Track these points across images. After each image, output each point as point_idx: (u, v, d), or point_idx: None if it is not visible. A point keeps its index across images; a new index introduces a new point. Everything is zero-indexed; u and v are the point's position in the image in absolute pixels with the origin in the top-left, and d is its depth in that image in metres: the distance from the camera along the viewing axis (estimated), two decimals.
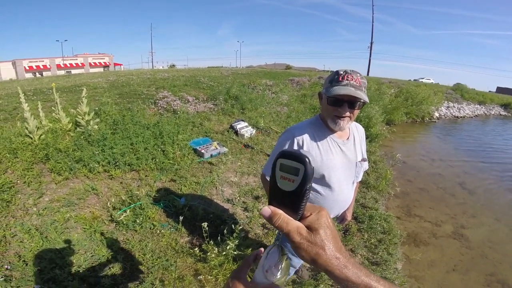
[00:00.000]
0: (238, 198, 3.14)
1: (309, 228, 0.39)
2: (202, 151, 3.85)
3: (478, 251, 3.04)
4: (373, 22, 38.20)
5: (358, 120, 6.84)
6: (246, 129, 5.03)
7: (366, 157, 1.45)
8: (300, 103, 8.34)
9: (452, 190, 4.59)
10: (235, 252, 2.08)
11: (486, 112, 16.32)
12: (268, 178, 1.34)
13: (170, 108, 5.44)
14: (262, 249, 0.52)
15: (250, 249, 2.35)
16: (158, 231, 2.42)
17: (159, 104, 5.56)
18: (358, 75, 1.16)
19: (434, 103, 12.42)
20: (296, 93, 9.52)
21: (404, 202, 3.92)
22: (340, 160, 1.30)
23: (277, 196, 0.41)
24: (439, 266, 2.75)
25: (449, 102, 14.88)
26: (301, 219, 0.41)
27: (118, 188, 2.89)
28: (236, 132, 4.95)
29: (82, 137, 3.47)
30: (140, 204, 2.61)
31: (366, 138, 6.17)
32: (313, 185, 1.33)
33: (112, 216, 2.46)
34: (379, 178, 4.14)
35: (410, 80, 26.52)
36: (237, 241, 2.07)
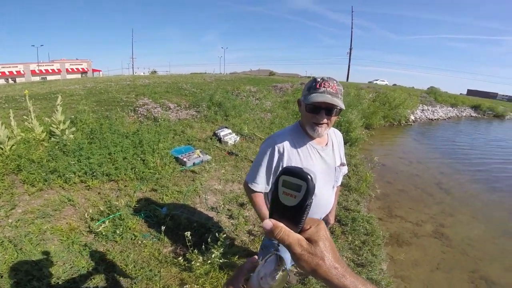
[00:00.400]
0: (223, 205, 3.11)
1: (309, 240, 0.41)
2: (184, 159, 3.79)
3: (459, 249, 3.16)
4: (352, 28, 39.62)
5: (338, 124, 7.03)
6: (229, 136, 5.02)
7: (344, 161, 1.50)
8: (283, 109, 8.46)
9: (430, 190, 4.79)
10: (220, 260, 2.06)
11: (458, 114, 17.31)
12: (251, 186, 1.35)
13: (150, 116, 5.33)
14: (256, 256, 0.54)
15: (237, 256, 2.33)
16: (140, 242, 2.36)
17: (139, 111, 5.43)
18: (335, 82, 1.21)
19: (410, 107, 13.00)
20: (279, 99, 9.65)
21: (385, 204, 4.03)
22: (319, 166, 1.34)
23: (278, 210, 0.43)
24: (423, 265, 2.84)
25: (424, 105, 15.61)
26: (301, 231, 0.43)
27: (96, 198, 2.82)
28: (219, 140, 4.93)
29: (56, 147, 3.33)
30: (120, 215, 2.56)
31: (347, 143, 6.43)
32: None
33: (91, 227, 2.40)
34: (360, 180, 4.24)
35: (366, 82, 27.53)
36: (222, 249, 2.05)
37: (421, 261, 2.90)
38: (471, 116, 18.23)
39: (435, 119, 14.57)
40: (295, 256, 0.41)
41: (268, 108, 8.17)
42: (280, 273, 0.45)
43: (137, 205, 2.82)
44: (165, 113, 5.63)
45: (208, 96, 7.21)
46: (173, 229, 2.56)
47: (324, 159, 1.35)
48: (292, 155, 1.30)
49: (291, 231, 0.42)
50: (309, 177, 0.40)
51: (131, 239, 2.38)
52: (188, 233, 2.04)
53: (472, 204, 4.43)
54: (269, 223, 0.42)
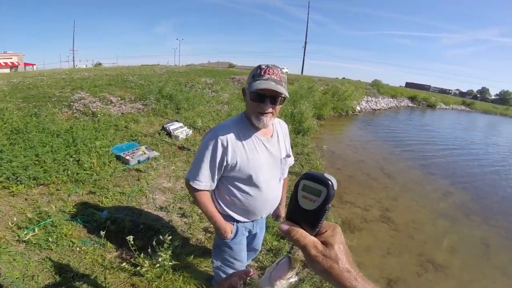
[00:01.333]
0: (173, 204, 2.92)
1: (324, 243, 0.43)
2: (127, 157, 3.47)
3: (405, 233, 3.38)
4: (308, 22, 40.90)
5: (291, 115, 7.21)
6: (181, 130, 4.75)
7: (290, 153, 1.45)
8: (241, 101, 8.34)
9: (374, 175, 5.19)
10: (171, 263, 1.93)
11: (397, 104, 19.21)
12: (193, 184, 1.26)
13: (88, 111, 4.78)
14: (251, 269, 0.55)
15: (192, 256, 2.21)
16: (79, 248, 2.16)
17: (74, 107, 4.82)
18: (279, 69, 1.16)
19: (356, 98, 14.00)
20: (237, 91, 9.52)
21: (336, 190, 4.19)
22: (265, 158, 1.28)
23: (296, 213, 0.44)
24: (375, 251, 2.98)
25: (368, 97, 16.93)
26: (316, 235, 0.44)
27: (22, 205, 2.53)
28: (169, 134, 4.63)
29: None
30: (52, 221, 2.31)
31: (299, 132, 6.61)
32: (242, 186, 1.29)
33: (19, 236, 2.15)
34: (312, 169, 4.38)
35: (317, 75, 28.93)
36: (170, 252, 1.92)
37: (373, 247, 3.04)
38: (408, 106, 20.47)
39: (378, 109, 15.95)
40: (309, 258, 0.43)
41: (226, 100, 7.99)
42: (294, 275, 0.47)
43: (73, 210, 2.56)
44: (105, 107, 5.10)
45: (157, 88, 6.74)
46: (117, 233, 2.35)
47: (269, 151, 1.30)
48: (237, 148, 1.22)
49: (307, 234, 0.43)
50: (330, 183, 0.41)
51: (69, 246, 2.18)
52: (130, 238, 1.88)
53: (411, 188, 4.89)
54: (285, 225, 0.44)
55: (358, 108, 14.01)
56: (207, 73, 12.68)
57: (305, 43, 40.85)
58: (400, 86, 41.14)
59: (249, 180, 1.27)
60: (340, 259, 0.42)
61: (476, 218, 4.05)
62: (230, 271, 1.52)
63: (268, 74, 1.13)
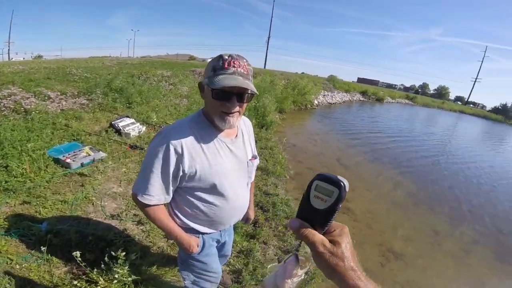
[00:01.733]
0: (127, 211, 2.63)
1: (332, 242, 0.45)
2: (67, 160, 3.04)
3: (364, 223, 3.52)
4: (272, 17, 41.20)
5: (254, 109, 7.16)
6: (132, 127, 4.35)
7: (256, 153, 1.29)
8: None
9: (332, 166, 5.43)
10: (130, 278, 1.73)
11: (350, 98, 20.47)
12: (142, 200, 1.03)
13: (19, 109, 4.10)
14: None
15: (155, 266, 2.01)
16: (19, 266, 1.87)
17: (2, 104, 4.11)
18: (245, 60, 0.98)
19: (314, 93, 14.54)
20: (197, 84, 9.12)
21: (299, 183, 4.25)
22: (230, 162, 1.11)
23: (307, 211, 0.47)
24: None
25: (325, 91, 17.73)
26: (325, 233, 0.47)
27: None
28: (118, 131, 4.20)
29: None
30: None
31: (262, 127, 6.60)
32: (204, 196, 1.11)
33: None
34: (276, 163, 4.40)
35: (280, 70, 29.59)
36: (127, 266, 1.72)
37: None
38: (360, 100, 21.96)
39: (333, 103, 16.82)
40: (316, 254, 0.45)
41: (185, 93, 7.59)
42: (304, 273, 0.51)
43: (5, 223, 2.20)
44: (41, 103, 4.43)
45: (106, 81, 6.11)
46: (62, 246, 2.06)
47: (234, 154, 1.12)
48: (195, 154, 1.01)
49: (316, 232, 0.46)
50: (342, 184, 0.44)
51: (7, 263, 1.87)
52: (77, 253, 1.64)
53: (365, 178, 5.18)
54: (296, 222, 0.48)
55: (316, 102, 14.58)
56: (165, 65, 11.95)
57: (269, 37, 41.36)
58: (352, 81, 44.00)
59: (212, 189, 1.09)
60: (346, 258, 0.45)
61: (424, 206, 4.46)
62: (208, 284, 1.37)
63: (234, 66, 0.93)
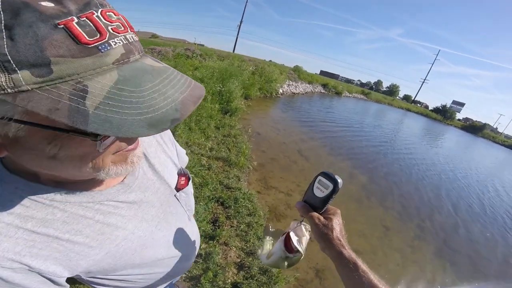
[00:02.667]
0: None
1: (326, 218, 0.64)
2: None
3: None
4: (246, 2, 39.58)
5: (219, 94, 6.88)
6: None
7: (182, 167, 0.80)
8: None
9: (294, 157, 5.51)
10: None
11: (312, 90, 21.10)
12: None
13: None
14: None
15: None
16: None
17: None
18: (120, 15, 0.39)
19: (280, 81, 14.61)
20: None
21: (262, 175, 4.21)
22: (142, 224, 0.59)
23: (311, 197, 0.67)
24: None
25: (290, 81, 17.96)
26: (322, 213, 0.66)
27: None
28: None
29: None
30: None
31: (227, 113, 6.38)
32: (136, 276, 0.64)
33: None
34: (239, 153, 4.28)
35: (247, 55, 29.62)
36: None
37: None
38: (321, 92, 22.80)
39: (297, 93, 17.15)
40: (313, 225, 0.64)
41: None
42: (308, 233, 0.71)
43: None
44: None
45: None
46: None
47: (141, 203, 0.59)
48: (68, 256, 0.46)
49: (314, 211, 0.66)
50: (336, 181, 0.63)
51: None
52: None
53: (324, 170, 5.40)
54: (300, 203, 0.69)
55: (281, 91, 14.68)
56: None
57: (241, 22, 40.02)
58: (315, 73, 45.39)
59: (139, 267, 0.62)
60: (334, 229, 0.61)
61: (374, 200, 4.75)
62: None
63: (112, 33, 0.34)
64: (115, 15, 0.37)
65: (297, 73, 21.03)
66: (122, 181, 0.56)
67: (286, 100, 13.51)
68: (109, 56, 0.34)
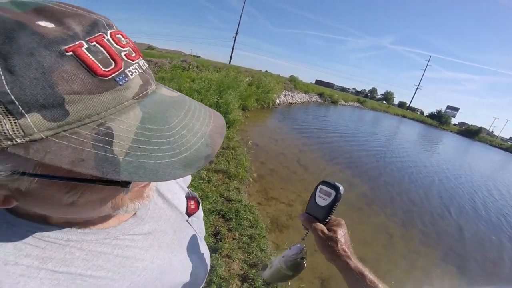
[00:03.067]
0: None
1: (330, 230, 0.62)
2: None
3: None
4: (242, 12, 40.64)
5: (216, 106, 6.93)
6: None
7: (189, 190, 0.79)
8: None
9: (293, 167, 5.53)
10: None
11: (309, 99, 21.34)
12: None
13: None
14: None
15: None
16: None
17: None
18: (126, 37, 0.34)
19: (277, 92, 14.80)
20: (153, 76, 8.48)
21: (262, 186, 4.21)
22: (159, 252, 0.57)
23: (313, 207, 0.66)
24: None
25: (286, 91, 18.17)
26: (326, 224, 0.64)
27: None
28: None
29: None
30: None
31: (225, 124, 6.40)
32: None
33: None
34: (238, 165, 4.29)
35: (244, 66, 30.04)
36: None
37: None
38: (317, 101, 23.07)
39: (293, 103, 17.34)
40: (318, 238, 0.62)
41: None
42: (300, 258, 0.67)
43: None
44: None
45: None
46: None
47: (157, 235, 0.57)
48: None
49: (319, 223, 0.64)
50: (338, 189, 0.62)
51: None
52: None
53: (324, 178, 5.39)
54: (304, 215, 0.68)
55: (278, 101, 14.84)
56: None
57: (236, 33, 40.83)
58: (311, 82, 46.04)
59: None
60: (340, 242, 0.60)
61: (376, 208, 4.75)
62: None
63: (126, 61, 0.30)
64: (124, 38, 0.32)
65: (293, 83, 21.31)
66: (135, 214, 0.56)
67: (283, 110, 13.64)
68: (129, 89, 0.29)
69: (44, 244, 0.39)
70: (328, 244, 0.60)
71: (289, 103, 16.80)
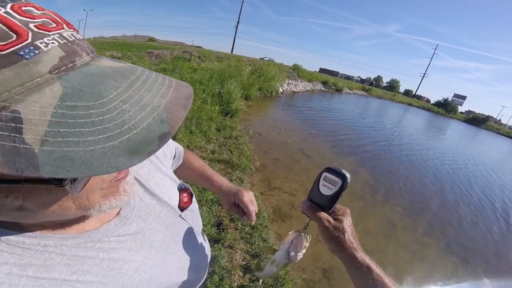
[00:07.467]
0: None
1: (336, 220, 0.58)
2: None
3: None
4: (243, 1, 39.83)
5: (218, 96, 6.84)
6: None
7: (182, 181, 0.72)
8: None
9: (296, 156, 5.47)
10: None
11: (312, 88, 21.05)
12: None
13: None
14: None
15: None
16: None
17: None
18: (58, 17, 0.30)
19: (279, 81, 14.59)
20: (154, 67, 8.37)
21: (264, 175, 4.17)
22: (151, 252, 0.53)
23: (316, 196, 0.60)
24: None
25: (289, 80, 17.91)
26: (331, 214, 0.60)
27: None
28: None
29: None
30: None
31: (227, 114, 6.35)
32: None
33: None
34: (241, 155, 4.25)
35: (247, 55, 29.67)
36: None
37: None
38: (321, 90, 22.73)
39: (297, 92, 17.11)
40: (323, 228, 0.58)
41: None
42: (307, 245, 0.67)
43: None
44: None
45: None
46: None
47: (147, 234, 0.53)
48: None
49: (322, 212, 0.59)
50: (346, 177, 0.56)
51: None
52: None
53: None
54: (307, 202, 0.62)
55: (281, 90, 14.65)
56: (116, 46, 10.86)
57: (238, 22, 40.22)
58: (315, 71, 45.35)
59: None
60: (346, 232, 0.56)
61: (380, 197, 4.69)
62: None
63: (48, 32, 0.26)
64: (38, 10, 0.27)
65: (297, 72, 20.98)
66: (118, 213, 0.50)
67: (287, 99, 13.47)
68: (40, 63, 0.24)
69: (21, 251, 0.35)
70: (335, 235, 0.56)
71: (293, 92, 16.58)
